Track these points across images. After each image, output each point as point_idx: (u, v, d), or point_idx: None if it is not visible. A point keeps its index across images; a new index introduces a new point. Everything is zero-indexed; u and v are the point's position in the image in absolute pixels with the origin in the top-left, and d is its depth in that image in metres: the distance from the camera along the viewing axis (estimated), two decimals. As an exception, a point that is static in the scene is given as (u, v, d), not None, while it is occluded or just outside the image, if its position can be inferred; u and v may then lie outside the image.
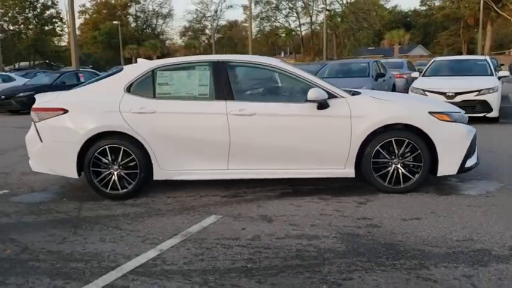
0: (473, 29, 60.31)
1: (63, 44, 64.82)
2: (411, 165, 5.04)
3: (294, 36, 64.81)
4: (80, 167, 5.13)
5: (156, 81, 5.18)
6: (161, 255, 3.64)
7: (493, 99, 10.15)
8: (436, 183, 5.37)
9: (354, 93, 5.33)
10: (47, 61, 58.38)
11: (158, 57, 54.97)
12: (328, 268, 3.34)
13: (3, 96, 16.67)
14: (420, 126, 4.91)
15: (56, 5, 59.58)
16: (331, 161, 5.04)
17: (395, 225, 4.13)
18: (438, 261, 3.38)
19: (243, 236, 3.99)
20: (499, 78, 11.27)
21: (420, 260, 3.41)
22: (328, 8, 54.71)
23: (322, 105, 4.90)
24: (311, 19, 62.79)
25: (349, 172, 5.07)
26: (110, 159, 5.07)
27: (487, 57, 12.33)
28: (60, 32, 62.65)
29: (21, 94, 16.52)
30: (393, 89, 14.27)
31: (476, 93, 10.15)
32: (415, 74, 12.65)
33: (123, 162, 5.07)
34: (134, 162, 5.05)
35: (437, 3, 68.05)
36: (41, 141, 5.19)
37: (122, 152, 5.04)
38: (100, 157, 5.07)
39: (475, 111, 9.94)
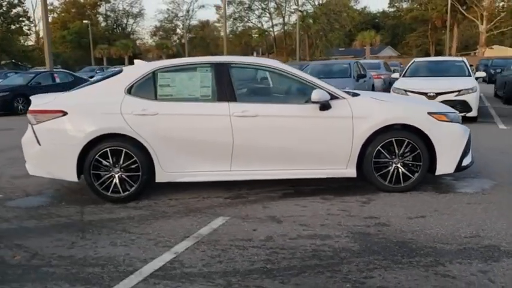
0: (441, 31, 61.98)
1: (30, 43, 63.25)
2: (410, 165, 5.16)
3: (267, 37, 65.10)
4: (79, 170, 5.04)
5: (157, 82, 5.14)
6: (178, 258, 3.63)
7: (472, 99, 10.48)
8: (433, 182, 5.51)
9: (354, 95, 5.41)
10: (14, 61, 56.70)
11: (130, 58, 54.36)
12: (347, 267, 3.39)
13: (-23, 98, 16.13)
14: (420, 127, 5.04)
15: (23, 3, 57.98)
16: (333, 161, 5.11)
17: (403, 224, 4.23)
18: (452, 258, 3.49)
19: (255, 237, 4.01)
20: (476, 78, 11.64)
21: (434, 257, 3.51)
22: (300, 9, 55.17)
23: (325, 106, 4.96)
24: (284, 20, 63.27)
25: (351, 172, 5.15)
26: (111, 162, 5.00)
27: (464, 59, 12.71)
28: (28, 31, 61.08)
29: (-4, 95, 16.03)
30: (372, 89, 14.52)
31: (457, 93, 10.45)
32: (395, 75, 12.92)
33: (125, 164, 5.00)
34: (136, 165, 5.00)
35: (405, 5, 69.61)
36: (39, 144, 5.07)
37: (123, 154, 4.98)
38: (101, 160, 4.99)
39: (455, 111, 10.22)
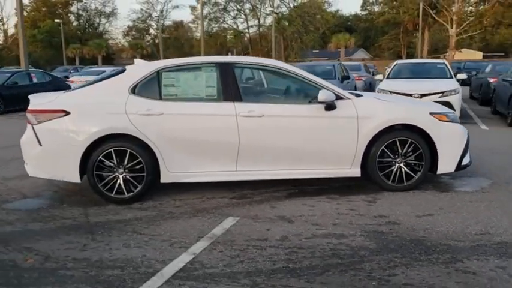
0: (412, 34, 63.30)
1: (-2, 42, 61.48)
2: (413, 164, 5.25)
3: (242, 38, 65.13)
4: (82, 171, 4.94)
5: (161, 82, 5.08)
6: (197, 259, 3.59)
7: (455, 101, 10.73)
8: (432, 181, 5.62)
9: (357, 95, 5.47)
10: (-20, 61, 54.93)
11: (103, 57, 53.51)
12: (369, 265, 3.43)
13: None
14: (423, 127, 5.13)
15: (-9, 1, 56.34)
16: (338, 161, 5.15)
17: (413, 222, 4.30)
18: (468, 255, 3.57)
19: (271, 237, 4.01)
20: (458, 80, 11.94)
21: (451, 254, 3.58)
22: (275, 11, 55.41)
23: (330, 106, 5.00)
24: (259, 21, 63.51)
25: (356, 172, 5.20)
26: (115, 163, 4.91)
27: (445, 61, 13.01)
28: (-4, 30, 59.37)
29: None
30: (355, 90, 14.70)
31: (440, 94, 10.69)
32: (379, 77, 13.13)
33: (129, 165, 4.92)
34: (141, 165, 4.92)
35: (377, 9, 70.91)
36: (40, 144, 4.94)
37: (128, 154, 4.89)
38: (104, 160, 4.90)
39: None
